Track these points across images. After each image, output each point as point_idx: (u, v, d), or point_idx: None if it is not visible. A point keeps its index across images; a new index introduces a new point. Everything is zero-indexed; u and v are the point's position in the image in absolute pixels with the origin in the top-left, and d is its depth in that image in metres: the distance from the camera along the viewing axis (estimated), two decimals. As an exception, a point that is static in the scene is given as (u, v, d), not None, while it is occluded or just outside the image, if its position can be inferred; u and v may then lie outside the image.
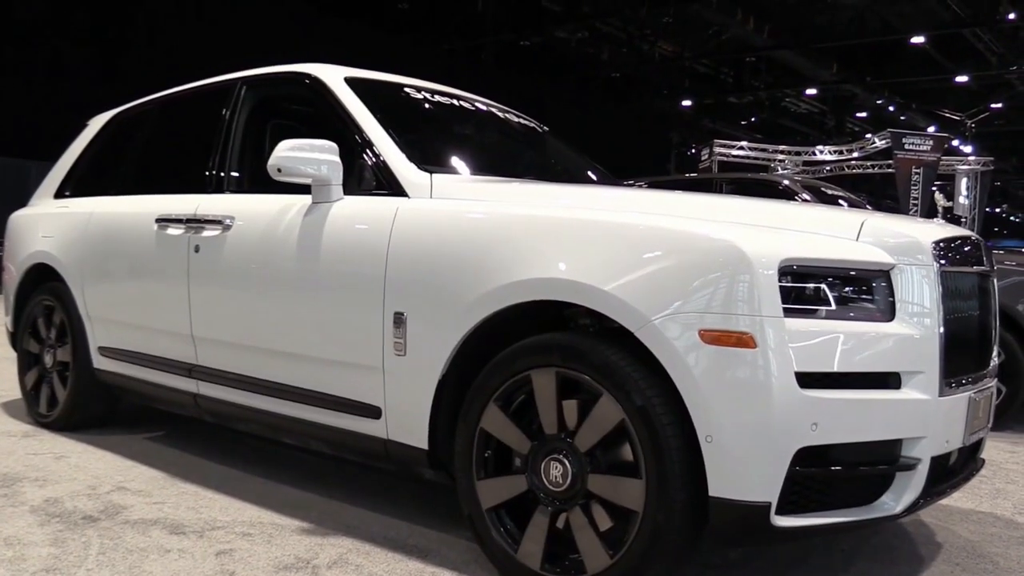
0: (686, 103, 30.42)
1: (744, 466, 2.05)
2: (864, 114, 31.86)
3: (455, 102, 3.62)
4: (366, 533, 2.82)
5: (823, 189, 7.03)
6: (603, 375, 2.20)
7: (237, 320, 3.18)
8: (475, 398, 2.46)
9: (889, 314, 2.18)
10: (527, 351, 2.37)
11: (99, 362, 3.94)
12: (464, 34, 23.33)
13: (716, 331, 2.05)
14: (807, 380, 2.05)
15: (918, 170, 18.47)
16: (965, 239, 2.51)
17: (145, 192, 3.87)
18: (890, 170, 21.61)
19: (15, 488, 3.16)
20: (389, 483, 3.36)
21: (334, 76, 3.24)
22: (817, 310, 2.11)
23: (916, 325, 2.19)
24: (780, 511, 2.07)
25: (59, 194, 4.50)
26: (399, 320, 2.61)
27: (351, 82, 3.21)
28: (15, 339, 4.53)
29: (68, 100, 11.44)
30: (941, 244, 2.32)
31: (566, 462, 2.29)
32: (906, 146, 18.81)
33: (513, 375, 2.38)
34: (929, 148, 18.68)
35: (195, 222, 3.36)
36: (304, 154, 2.86)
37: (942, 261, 2.29)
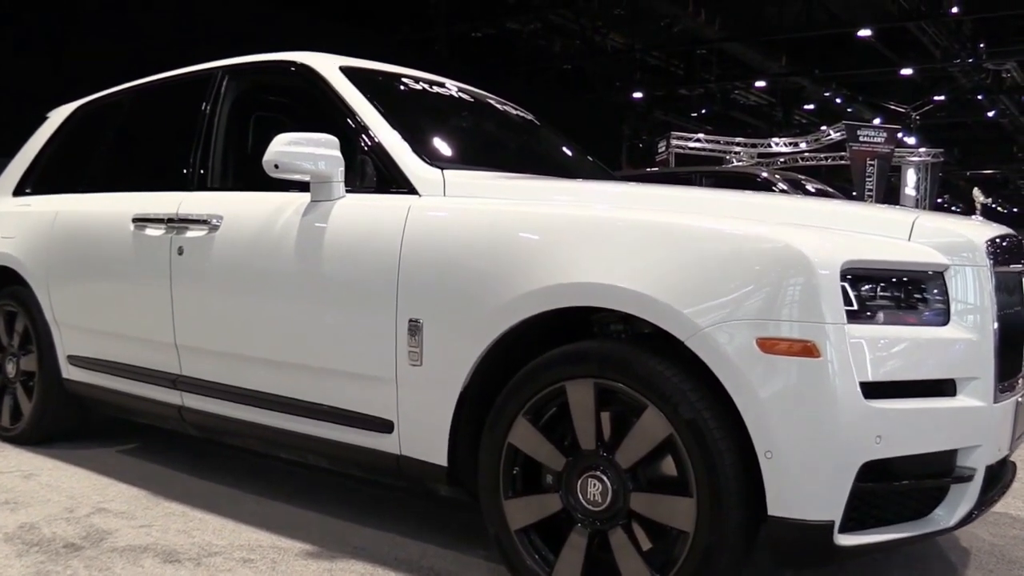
0: (637, 95, 30.45)
1: (806, 483, 1.91)
2: (812, 106, 32.21)
3: (454, 93, 3.43)
4: (377, 555, 2.64)
5: (802, 182, 6.98)
6: (648, 386, 2.05)
7: (228, 328, 2.97)
8: (502, 411, 2.29)
9: (945, 317, 2.07)
10: (560, 360, 2.21)
11: (69, 372, 3.68)
12: (416, 25, 23.03)
13: (776, 339, 1.91)
14: (870, 390, 1.92)
15: (872, 161, 18.73)
16: (1011, 237, 2.41)
17: (117, 189, 3.62)
18: (842, 162, 21.90)
19: (-15, 513, 2.91)
20: (388, 497, 3.18)
21: (329, 65, 3.03)
22: (876, 315, 1.98)
23: (971, 328, 2.08)
24: (842, 529, 1.94)
25: (18, 191, 4.21)
26: (414, 328, 2.43)
27: (347, 72, 3.01)
28: (-28, 347, 4.23)
29: (17, 91, 10.95)
30: (993, 243, 2.21)
31: (605, 479, 2.14)
32: (861, 138, 19.07)
33: (545, 386, 2.22)
34: (883, 140, 18.96)
35: (177, 222, 3.13)
36: (303, 149, 2.66)
37: (994, 260, 2.18)
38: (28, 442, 3.87)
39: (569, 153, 3.81)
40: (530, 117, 3.81)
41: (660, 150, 22.24)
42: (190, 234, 3.07)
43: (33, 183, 4.17)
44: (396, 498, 3.16)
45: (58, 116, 4.24)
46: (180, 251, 3.09)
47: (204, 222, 3.03)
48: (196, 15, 15.34)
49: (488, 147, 3.45)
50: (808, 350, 1.89)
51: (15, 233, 3.93)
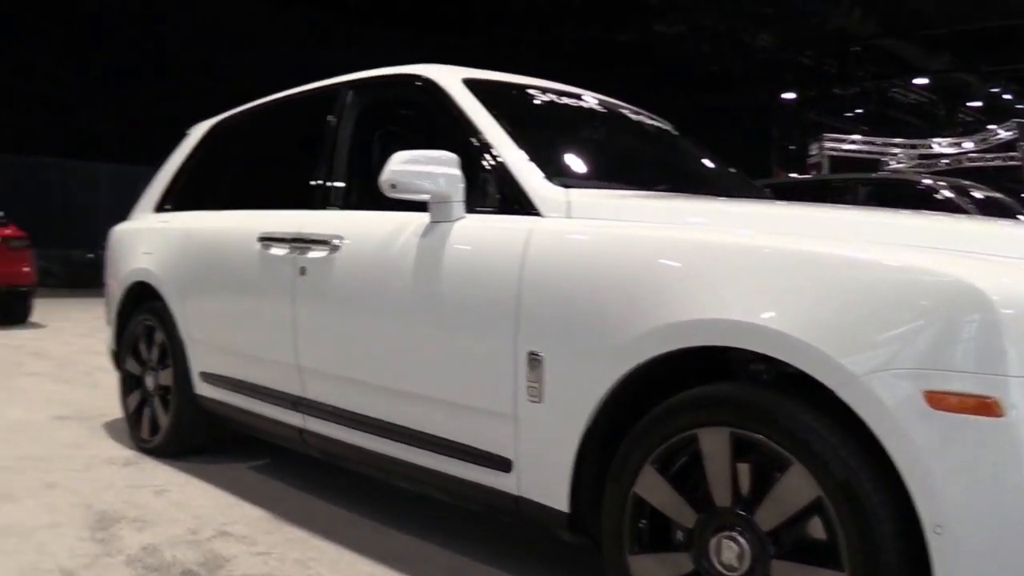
0: (787, 96, 29.40)
1: (985, 563, 1.61)
2: (978, 103, 30.22)
3: (583, 103, 3.24)
4: (494, 600, 2.48)
5: (967, 188, 6.38)
6: (793, 440, 1.80)
7: (346, 352, 2.88)
8: (628, 458, 2.08)
9: None
10: (693, 405, 1.98)
11: (200, 388, 3.71)
12: (548, 31, 22.83)
13: (948, 393, 1.62)
14: (1066, 458, 1.61)
15: (1049, 162, 17.22)
16: None
17: (247, 207, 3.62)
18: (1012, 163, 20.35)
19: (113, 531, 2.92)
20: (520, 533, 3.01)
21: (450, 78, 2.90)
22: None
23: None
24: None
25: (159, 207, 4.30)
26: (534, 361, 2.25)
27: (470, 84, 2.87)
28: (118, 358, 4.36)
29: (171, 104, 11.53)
30: None
31: (742, 541, 1.89)
32: (1035, 136, 17.58)
33: (675, 433, 1.99)
34: (1061, 139, 17.42)
35: (300, 241, 3.08)
36: (421, 167, 2.53)
37: None
38: (164, 455, 3.93)
39: (709, 165, 3.54)
40: (667, 126, 3.57)
41: (812, 153, 21.26)
42: (312, 254, 3.00)
43: (173, 199, 4.25)
44: (525, 534, 2.98)
45: (196, 132, 4.31)
46: (302, 271, 3.03)
47: (325, 242, 2.96)
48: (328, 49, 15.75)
49: (619, 162, 3.23)
50: (986, 407, 1.59)
51: (153, 249, 4.01)
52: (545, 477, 2.28)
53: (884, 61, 26.39)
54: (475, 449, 2.45)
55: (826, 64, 27.81)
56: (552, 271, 2.25)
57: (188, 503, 3.28)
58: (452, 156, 2.56)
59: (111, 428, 4.54)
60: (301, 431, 3.14)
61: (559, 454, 2.22)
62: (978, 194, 6.45)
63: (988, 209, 6.05)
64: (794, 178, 10.50)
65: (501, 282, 2.35)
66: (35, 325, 10.39)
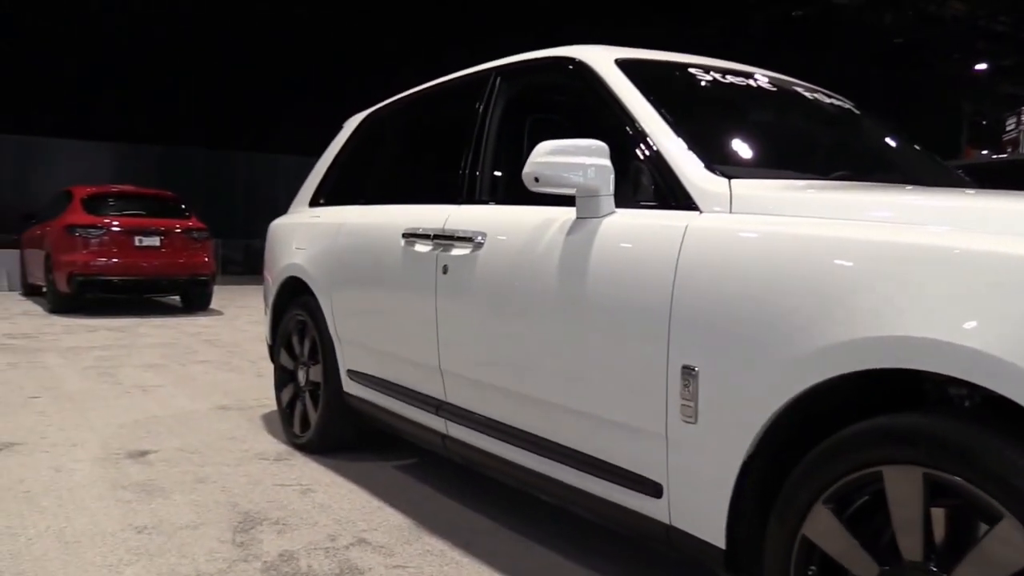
0: (980, 67, 27.22)
1: None
2: None
3: (751, 82, 2.90)
4: (642, 637, 2.24)
5: None
6: (1004, 489, 1.45)
7: (486, 357, 2.71)
8: (796, 494, 1.78)
9: None
10: (876, 438, 1.66)
11: (348, 386, 3.65)
12: (730, 11, 22.06)
13: None
14: None
15: None
16: None
17: (394, 201, 3.51)
18: None
19: (253, 534, 2.88)
20: (673, 562, 2.75)
21: (602, 59, 2.65)
22: None
23: None
24: None
25: (314, 202, 4.29)
26: (688, 376, 1.99)
27: (623, 65, 2.61)
28: (273, 352, 4.39)
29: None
30: None
31: (938, 605, 1.57)
32: None
33: (854, 469, 1.68)
34: None
35: (443, 238, 2.93)
36: (567, 158, 2.30)
37: None
38: (315, 451, 3.91)
39: (898, 148, 3.13)
40: (848, 105, 3.17)
41: (1009, 127, 19.45)
42: (455, 252, 2.84)
43: (326, 194, 4.22)
44: (678, 562, 2.72)
45: (350, 125, 4.26)
46: (445, 270, 2.87)
47: (468, 239, 2.79)
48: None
49: (792, 147, 2.88)
50: None
51: (306, 244, 3.99)
52: (699, 507, 2.02)
53: (1094, 25, 23.99)
54: (622, 470, 2.22)
55: (1024, 31, 25.60)
56: (710, 274, 1.98)
57: (331, 505, 3.21)
58: (601, 145, 2.32)
59: (268, 420, 4.59)
60: (443, 436, 3.00)
61: (715, 483, 1.95)
62: None
63: None
64: (990, 159, 9.51)
65: (652, 286, 2.10)
66: (214, 312, 10.93)
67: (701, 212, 2.12)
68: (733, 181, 2.14)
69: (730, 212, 2.08)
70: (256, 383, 5.73)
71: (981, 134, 27.08)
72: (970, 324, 1.50)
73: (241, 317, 10.24)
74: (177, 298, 11.51)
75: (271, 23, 18.36)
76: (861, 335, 1.65)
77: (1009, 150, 18.10)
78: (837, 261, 1.75)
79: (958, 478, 1.52)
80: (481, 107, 3.09)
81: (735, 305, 1.90)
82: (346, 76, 17.54)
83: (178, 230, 10.64)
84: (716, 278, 1.96)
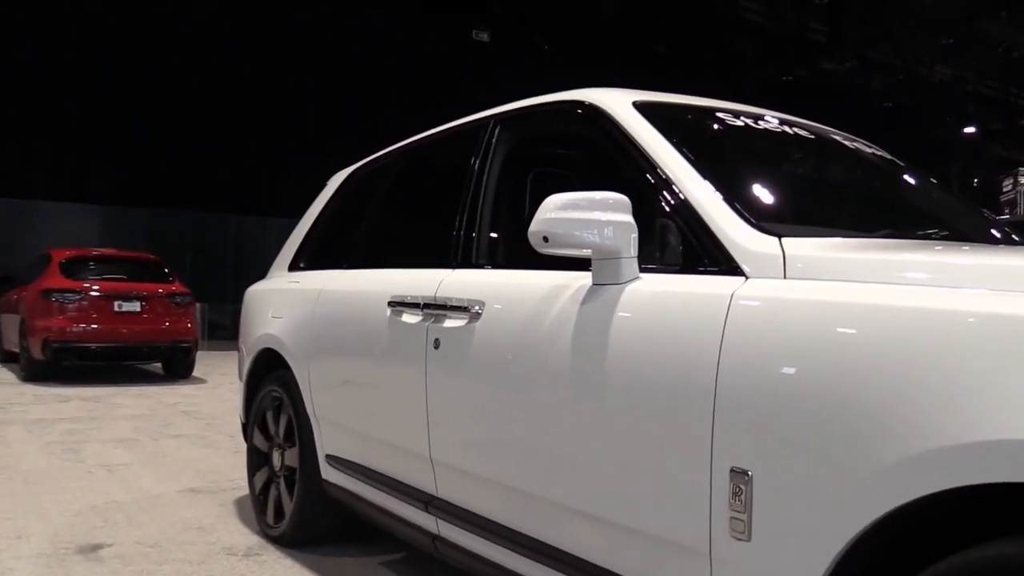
0: (969, 130, 27.37)
1: None
2: None
3: (787, 129, 2.56)
4: None
5: None
6: None
7: (484, 445, 2.31)
8: (891, 644, 1.38)
9: None
10: (997, 572, 1.26)
11: (327, 473, 3.23)
12: (722, 72, 22.16)
13: None
14: None
15: None
16: None
17: (381, 265, 3.14)
18: None
19: (211, 658, 2.44)
20: None
21: (619, 102, 2.31)
22: None
23: None
24: None
25: (293, 266, 3.91)
26: (740, 482, 1.59)
27: (643, 108, 2.27)
28: (246, 431, 3.97)
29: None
30: None
31: None
32: None
33: (971, 612, 1.29)
34: None
35: (435, 307, 2.54)
36: (581, 214, 1.93)
37: None
38: (290, 544, 3.47)
39: (949, 204, 2.78)
40: (890, 156, 2.83)
41: (1006, 189, 19.37)
42: (448, 323, 2.46)
43: (307, 257, 3.85)
44: None
45: (334, 182, 3.91)
46: (436, 344, 2.49)
47: (463, 309, 2.41)
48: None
49: (841, 202, 2.52)
50: None
51: (283, 312, 3.60)
52: (756, 650, 1.61)
53: (1081, 88, 24.23)
54: (655, 593, 1.80)
55: (1012, 94, 25.81)
56: (766, 355, 1.59)
57: (305, 615, 2.78)
58: (622, 199, 1.96)
59: (241, 506, 4.14)
60: (434, 537, 2.57)
61: (777, 619, 1.54)
62: None
63: None
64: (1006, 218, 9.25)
65: (691, 368, 1.71)
66: (197, 380, 10.47)
67: (748, 278, 1.75)
68: (785, 240, 1.77)
69: (784, 278, 1.71)
70: (233, 461, 5.28)
71: (972, 195, 27.06)
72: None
73: (224, 385, 9.78)
74: (159, 365, 11.06)
75: (265, 82, 18.22)
76: (971, 439, 1.26)
77: (1007, 211, 17.96)
78: (930, 339, 1.36)
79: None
80: (478, 160, 2.73)
81: (799, 394, 1.52)
82: (343, 135, 17.33)
83: (160, 294, 10.25)
84: (773, 360, 1.58)
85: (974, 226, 2.63)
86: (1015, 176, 19.47)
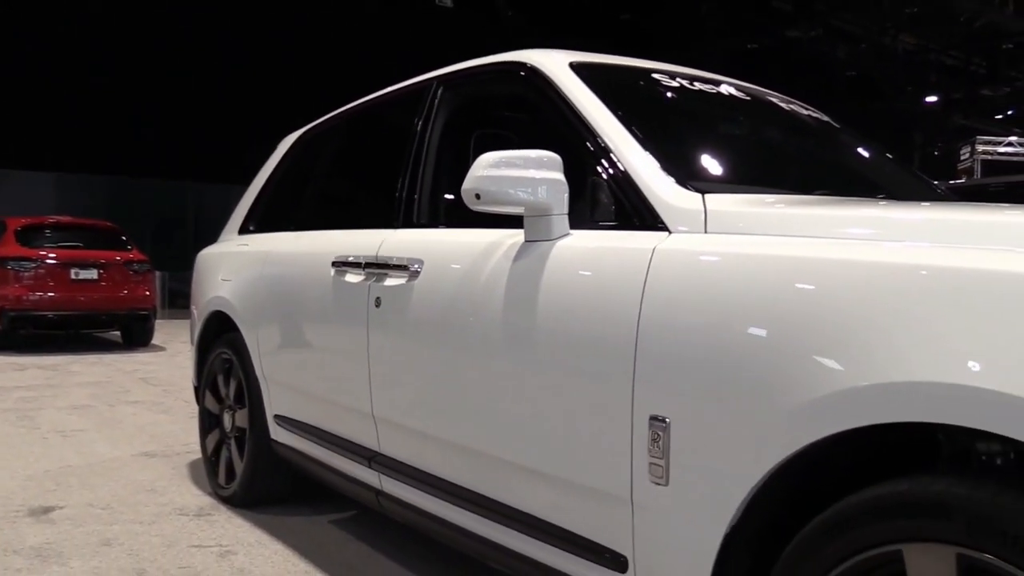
0: (931, 99, 27.65)
1: None
2: None
3: (721, 90, 2.60)
4: None
5: None
6: (1069, 578, 1.14)
7: (423, 401, 2.35)
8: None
9: None
10: (894, 510, 1.33)
11: (276, 433, 3.26)
12: (688, 41, 22.16)
13: None
14: None
15: None
16: None
17: (327, 227, 3.15)
18: None
19: (156, 612, 2.48)
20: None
21: (556, 63, 2.33)
22: None
23: None
24: None
25: (243, 229, 3.91)
26: (658, 429, 1.65)
27: (579, 69, 2.30)
28: (198, 394, 3.98)
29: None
30: None
31: None
32: None
33: (865, 547, 1.35)
34: None
35: (376, 266, 2.58)
36: (514, 172, 1.97)
37: None
38: (241, 504, 3.51)
39: (881, 164, 2.84)
40: (825, 118, 2.89)
41: (963, 157, 19.68)
42: (389, 282, 2.49)
43: (256, 220, 3.85)
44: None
45: (283, 145, 3.90)
46: (377, 302, 2.52)
47: (403, 268, 2.44)
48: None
49: (769, 161, 2.57)
50: None
51: (232, 275, 3.61)
52: (673, 586, 1.68)
53: (1040, 59, 24.53)
54: (580, 538, 1.87)
55: (974, 64, 26.08)
56: (684, 306, 1.65)
57: (251, 570, 2.82)
58: (553, 157, 2.00)
59: (194, 469, 4.17)
60: (377, 492, 2.63)
61: (691, 558, 1.61)
62: None
63: None
64: (947, 184, 9.40)
65: (614, 320, 1.76)
66: (156, 348, 10.42)
67: (671, 233, 1.80)
68: (707, 196, 1.82)
69: (705, 232, 1.76)
70: (188, 425, 5.28)
71: (933, 164, 27.38)
72: (1007, 362, 1.18)
73: (183, 353, 9.73)
74: (118, 333, 10.97)
75: (224, 48, 17.94)
76: (867, 382, 1.33)
77: (963, 178, 18.23)
78: (836, 289, 1.42)
79: (1002, 561, 1.20)
80: (421, 121, 2.75)
81: (714, 343, 1.57)
82: (304, 101, 17.15)
83: (118, 262, 10.15)
84: (691, 310, 1.63)
85: (908, 187, 2.69)
86: (972, 145, 19.81)
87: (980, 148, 19.28)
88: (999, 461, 1.36)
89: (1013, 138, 20.10)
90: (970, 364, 1.21)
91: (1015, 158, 19.70)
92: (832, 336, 1.40)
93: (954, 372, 1.23)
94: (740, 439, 1.51)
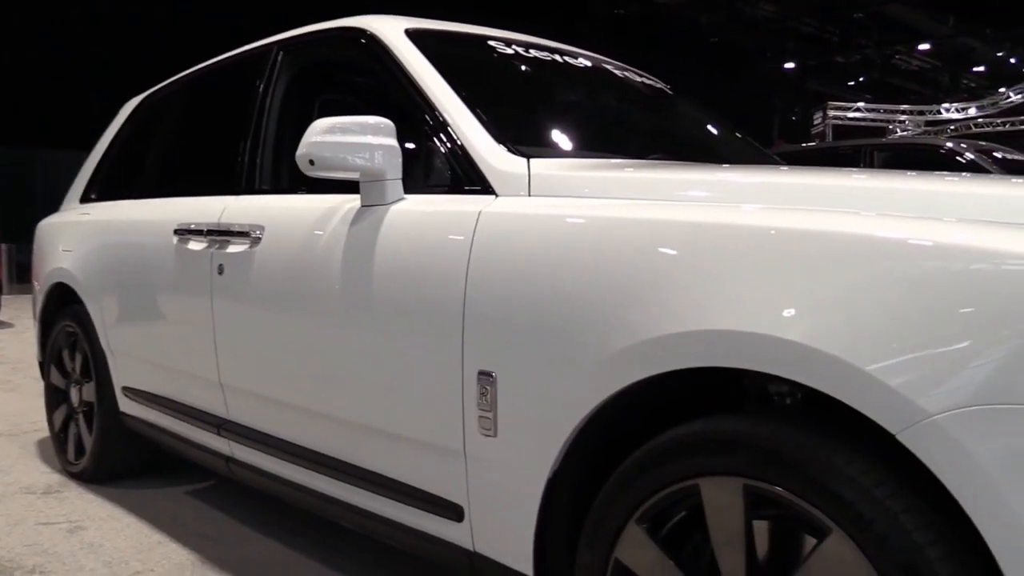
0: (789, 66, 28.78)
1: None
2: (982, 68, 29.52)
3: (556, 58, 2.68)
4: None
5: (992, 151, 5.81)
6: (833, 500, 1.27)
7: (268, 368, 2.37)
8: (606, 513, 1.56)
9: None
10: (691, 447, 1.45)
11: (124, 405, 3.20)
12: (552, 10, 22.28)
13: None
14: None
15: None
16: None
17: (170, 194, 3.09)
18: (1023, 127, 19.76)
19: (-3, 590, 2.43)
20: None
21: (392, 29, 2.36)
22: None
23: None
24: None
25: (85, 197, 3.78)
26: (485, 383, 1.74)
27: (414, 35, 2.33)
28: (43, 369, 3.85)
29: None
30: None
31: (763, 631, 1.38)
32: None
33: (668, 483, 1.47)
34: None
35: (218, 233, 2.56)
36: (348, 138, 2.00)
37: None
38: (91, 480, 3.43)
39: (712, 130, 3.00)
40: (660, 85, 3.02)
41: (816, 122, 20.66)
42: (231, 249, 2.48)
43: (98, 187, 3.73)
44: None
45: (125, 110, 3.78)
46: (220, 270, 2.51)
47: (245, 234, 2.44)
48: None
49: (600, 127, 2.68)
50: None
51: (73, 246, 3.49)
52: (503, 531, 1.77)
53: (887, 28, 25.79)
54: (420, 491, 1.94)
55: (828, 32, 27.24)
56: (505, 266, 1.73)
57: (103, 544, 2.78)
58: (387, 123, 2.03)
59: (43, 447, 4.04)
60: (227, 459, 2.63)
61: (519, 503, 1.71)
62: (1000, 155, 5.90)
63: (1014, 172, 5.51)
64: (800, 147, 9.90)
65: (443, 281, 1.83)
66: (3, 324, 9.90)
67: (497, 196, 1.87)
68: (532, 160, 1.90)
69: (528, 195, 1.84)
70: (37, 404, 5.03)
71: (791, 128, 28.58)
72: (788, 312, 1.31)
73: (32, 329, 9.25)
74: (-38, 310, 10.36)
75: (81, 9, 16.99)
76: (666, 331, 1.44)
77: (817, 142, 19.13)
78: (649, 247, 1.52)
79: (781, 489, 1.33)
80: (262, 86, 2.73)
81: (534, 300, 1.66)
82: (170, 65, 16.44)
83: (-41, 235, 9.57)
84: (512, 270, 1.71)
85: (741, 153, 2.85)
86: (824, 110, 20.83)
87: (832, 114, 20.29)
88: (788, 402, 1.51)
89: (861, 104, 21.21)
90: (763, 315, 1.33)
91: (863, 123, 20.80)
92: (638, 291, 1.50)
93: (745, 322, 1.35)
94: (557, 390, 1.61)
